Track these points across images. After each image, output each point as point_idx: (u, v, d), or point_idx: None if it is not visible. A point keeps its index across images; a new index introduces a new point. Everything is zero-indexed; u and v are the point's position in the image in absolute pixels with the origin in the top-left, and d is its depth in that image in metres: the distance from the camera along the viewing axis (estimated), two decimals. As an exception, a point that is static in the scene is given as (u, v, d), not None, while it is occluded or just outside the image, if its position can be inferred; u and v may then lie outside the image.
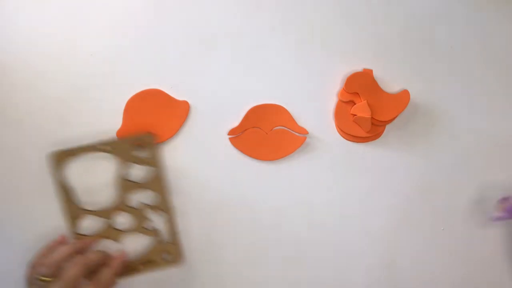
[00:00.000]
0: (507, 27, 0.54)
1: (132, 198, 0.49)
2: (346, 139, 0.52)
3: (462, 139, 0.53)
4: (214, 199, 0.51)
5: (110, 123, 0.51)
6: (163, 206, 0.49)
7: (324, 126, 0.52)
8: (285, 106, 0.52)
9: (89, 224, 0.49)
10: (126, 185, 0.49)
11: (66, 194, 0.48)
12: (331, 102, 0.52)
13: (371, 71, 0.52)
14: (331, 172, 0.52)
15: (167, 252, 0.49)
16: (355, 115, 0.50)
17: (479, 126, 0.53)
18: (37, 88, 0.52)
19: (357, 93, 0.51)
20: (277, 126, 0.52)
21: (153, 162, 0.49)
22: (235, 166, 0.51)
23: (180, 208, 0.51)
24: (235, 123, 0.52)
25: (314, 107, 0.52)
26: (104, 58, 0.52)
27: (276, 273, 0.51)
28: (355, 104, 0.51)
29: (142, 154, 0.49)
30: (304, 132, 0.51)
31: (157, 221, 0.50)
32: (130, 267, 0.48)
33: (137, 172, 0.49)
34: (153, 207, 0.49)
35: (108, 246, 0.49)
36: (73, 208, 0.48)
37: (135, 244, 0.50)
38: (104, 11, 0.53)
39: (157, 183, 0.49)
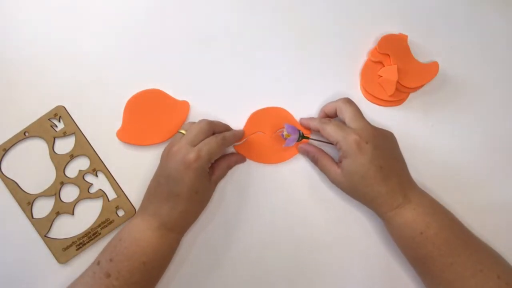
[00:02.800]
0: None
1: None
2: (368, 99, 0.53)
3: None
4: (214, 199, 0.51)
5: (110, 123, 0.51)
6: (98, 166, 0.50)
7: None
8: (286, 104, 0.52)
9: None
10: (58, 158, 0.50)
11: (12, 185, 0.50)
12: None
13: (406, 36, 0.52)
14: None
15: (118, 207, 0.50)
16: (381, 76, 0.51)
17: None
18: (37, 88, 0.52)
19: (388, 56, 0.52)
20: (280, 129, 0.52)
21: (72, 129, 0.51)
22: (236, 166, 0.51)
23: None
24: (236, 123, 0.52)
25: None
26: (104, 58, 0.52)
27: (276, 274, 0.50)
28: (384, 66, 0.52)
29: (60, 126, 0.51)
30: (307, 132, 0.51)
31: (98, 182, 0.50)
32: (91, 234, 0.49)
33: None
34: (90, 171, 0.50)
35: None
36: (22, 196, 0.50)
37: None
38: (104, 11, 0.53)
39: (83, 147, 0.51)
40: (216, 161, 0.48)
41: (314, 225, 0.51)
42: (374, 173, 0.43)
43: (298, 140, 0.49)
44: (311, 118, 0.50)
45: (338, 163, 0.47)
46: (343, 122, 0.47)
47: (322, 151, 0.50)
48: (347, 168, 0.45)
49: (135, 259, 0.42)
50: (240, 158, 0.51)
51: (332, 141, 0.46)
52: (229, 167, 0.50)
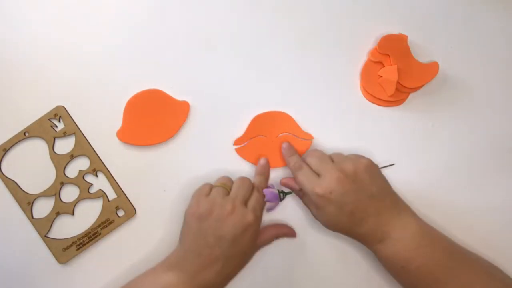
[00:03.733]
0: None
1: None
2: (368, 99, 0.53)
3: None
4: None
5: (110, 123, 0.51)
6: (98, 166, 0.50)
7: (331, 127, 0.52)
8: (286, 104, 0.52)
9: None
10: (58, 158, 0.50)
11: (12, 185, 0.50)
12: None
13: (406, 36, 0.52)
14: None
15: (118, 207, 0.50)
16: (381, 76, 0.51)
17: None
18: (37, 88, 0.52)
19: (388, 56, 0.52)
20: (282, 133, 0.52)
21: (72, 129, 0.51)
22: (236, 166, 0.51)
23: (179, 209, 0.51)
24: (236, 123, 0.52)
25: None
26: (104, 58, 0.52)
27: (276, 275, 0.50)
28: (384, 66, 0.52)
29: (60, 126, 0.51)
30: (309, 137, 0.51)
31: (98, 182, 0.50)
32: (91, 234, 0.49)
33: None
34: (90, 171, 0.50)
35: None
36: (22, 196, 0.49)
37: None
38: (104, 11, 0.53)
39: (83, 147, 0.51)
40: (267, 228, 0.48)
41: (314, 227, 0.51)
42: (347, 218, 0.43)
43: (282, 199, 0.48)
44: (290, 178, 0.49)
45: None
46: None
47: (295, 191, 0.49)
48: (321, 217, 0.45)
49: None
50: (291, 232, 0.50)
51: (303, 190, 0.46)
52: (277, 237, 0.49)
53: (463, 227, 0.46)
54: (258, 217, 0.44)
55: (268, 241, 0.48)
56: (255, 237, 0.44)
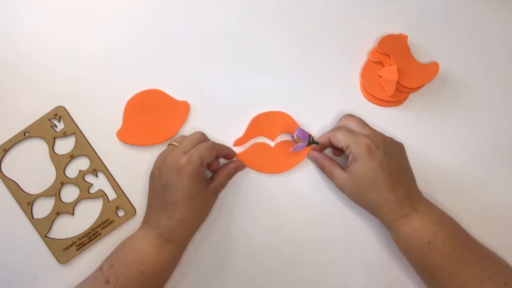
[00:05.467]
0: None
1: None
2: (368, 99, 0.53)
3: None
4: (215, 205, 0.51)
5: (110, 123, 0.51)
6: (98, 166, 0.50)
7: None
8: (286, 104, 0.52)
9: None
10: (59, 159, 0.50)
11: (12, 185, 0.50)
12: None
13: (406, 36, 0.52)
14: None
15: (119, 207, 0.50)
16: (381, 76, 0.51)
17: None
18: (37, 88, 0.52)
19: (388, 56, 0.52)
20: (282, 133, 0.52)
21: (72, 129, 0.51)
22: (237, 176, 0.51)
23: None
24: (236, 123, 0.52)
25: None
26: (104, 58, 0.52)
27: (277, 277, 0.50)
28: (384, 66, 0.52)
29: (60, 126, 0.51)
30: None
31: (98, 182, 0.50)
32: (91, 234, 0.49)
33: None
34: (90, 171, 0.50)
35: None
36: (22, 196, 0.50)
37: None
38: (104, 11, 0.53)
39: (83, 147, 0.51)
40: (216, 171, 0.49)
41: (314, 230, 0.51)
42: (384, 178, 0.43)
43: (310, 143, 0.49)
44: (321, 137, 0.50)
45: (345, 169, 0.47)
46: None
47: (330, 158, 0.50)
48: (355, 172, 0.44)
49: (133, 267, 0.42)
50: (240, 165, 0.50)
51: (342, 146, 0.45)
52: (229, 175, 0.50)
53: (464, 226, 0.46)
54: (192, 160, 0.43)
55: (221, 184, 0.48)
56: (195, 179, 0.44)
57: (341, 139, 0.45)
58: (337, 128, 0.48)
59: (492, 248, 0.45)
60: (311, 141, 0.49)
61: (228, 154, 0.49)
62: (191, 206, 0.44)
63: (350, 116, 0.49)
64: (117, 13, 0.53)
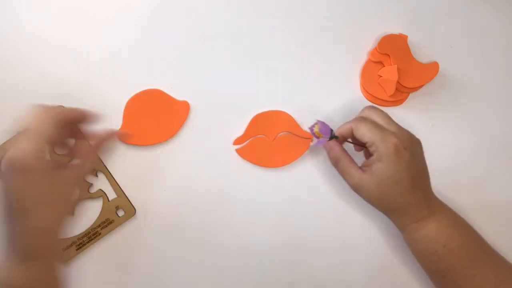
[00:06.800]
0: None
1: None
2: (368, 99, 0.53)
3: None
4: (214, 200, 0.51)
5: (110, 123, 0.51)
6: (98, 166, 0.50)
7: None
8: (286, 104, 0.52)
9: None
10: (59, 159, 0.50)
11: None
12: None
13: (406, 36, 0.52)
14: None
15: (119, 207, 0.50)
16: (381, 76, 0.51)
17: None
18: (37, 88, 0.52)
19: (388, 56, 0.52)
20: (282, 132, 0.52)
21: None
22: (236, 167, 0.51)
23: (179, 209, 0.51)
24: (236, 123, 0.52)
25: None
26: (104, 58, 0.52)
27: (276, 276, 0.50)
28: (384, 66, 0.52)
29: None
30: (309, 136, 0.51)
31: (98, 182, 0.50)
32: (91, 234, 0.49)
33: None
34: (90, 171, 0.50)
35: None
36: None
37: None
38: (104, 10, 0.53)
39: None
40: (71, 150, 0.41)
41: (314, 227, 0.51)
42: (408, 181, 0.41)
43: (332, 137, 0.45)
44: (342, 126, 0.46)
45: (362, 167, 0.44)
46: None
47: (346, 152, 0.45)
48: (379, 172, 0.41)
49: None
50: (109, 134, 0.41)
51: (367, 141, 0.42)
52: (92, 152, 0.40)
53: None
54: (24, 150, 0.34)
55: (81, 168, 0.39)
56: (32, 174, 0.34)
57: (365, 134, 0.42)
58: (361, 119, 0.43)
59: (494, 248, 0.45)
60: (332, 135, 0.45)
61: (79, 117, 0.38)
62: (40, 205, 0.34)
63: (375, 108, 0.45)
64: (117, 13, 0.53)
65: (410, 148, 0.41)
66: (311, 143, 0.47)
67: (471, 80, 0.54)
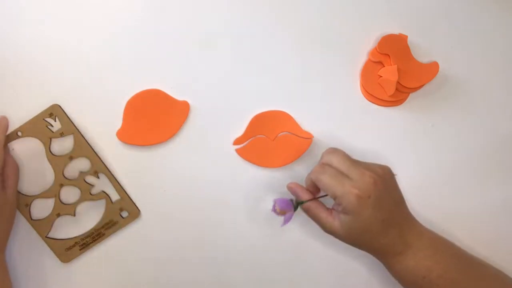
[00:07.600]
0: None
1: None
2: (368, 99, 0.53)
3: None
4: (214, 200, 0.51)
5: (110, 123, 0.51)
6: (99, 167, 0.50)
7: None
8: (286, 104, 0.52)
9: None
10: (56, 160, 0.50)
11: None
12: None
13: (406, 36, 0.52)
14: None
15: (122, 209, 0.50)
16: (381, 76, 0.51)
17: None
18: (37, 88, 0.52)
19: (388, 56, 0.52)
20: (282, 132, 0.52)
21: (70, 129, 0.50)
22: (236, 167, 0.51)
23: (179, 209, 0.51)
24: (236, 123, 0.52)
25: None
26: (104, 58, 0.52)
27: (277, 276, 0.50)
28: (384, 66, 0.52)
29: (56, 125, 0.50)
30: (309, 136, 0.51)
31: (100, 183, 0.50)
32: (95, 235, 0.49)
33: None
34: (91, 172, 0.50)
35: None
36: (20, 198, 0.49)
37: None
38: (104, 10, 0.53)
39: (83, 148, 0.50)
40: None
41: (314, 227, 0.51)
42: (377, 226, 0.41)
43: (296, 208, 0.45)
44: (303, 184, 0.46)
45: (332, 210, 0.44)
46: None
47: (314, 197, 0.45)
48: (347, 225, 0.41)
49: None
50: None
51: (329, 194, 0.42)
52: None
53: (464, 227, 0.46)
54: None
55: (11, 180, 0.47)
56: None
57: (326, 187, 0.41)
58: (321, 168, 0.43)
59: (492, 250, 0.45)
60: (295, 204, 0.45)
61: None
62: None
63: (334, 152, 0.44)
64: (117, 13, 0.53)
65: (374, 194, 0.40)
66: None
67: (471, 80, 0.54)
